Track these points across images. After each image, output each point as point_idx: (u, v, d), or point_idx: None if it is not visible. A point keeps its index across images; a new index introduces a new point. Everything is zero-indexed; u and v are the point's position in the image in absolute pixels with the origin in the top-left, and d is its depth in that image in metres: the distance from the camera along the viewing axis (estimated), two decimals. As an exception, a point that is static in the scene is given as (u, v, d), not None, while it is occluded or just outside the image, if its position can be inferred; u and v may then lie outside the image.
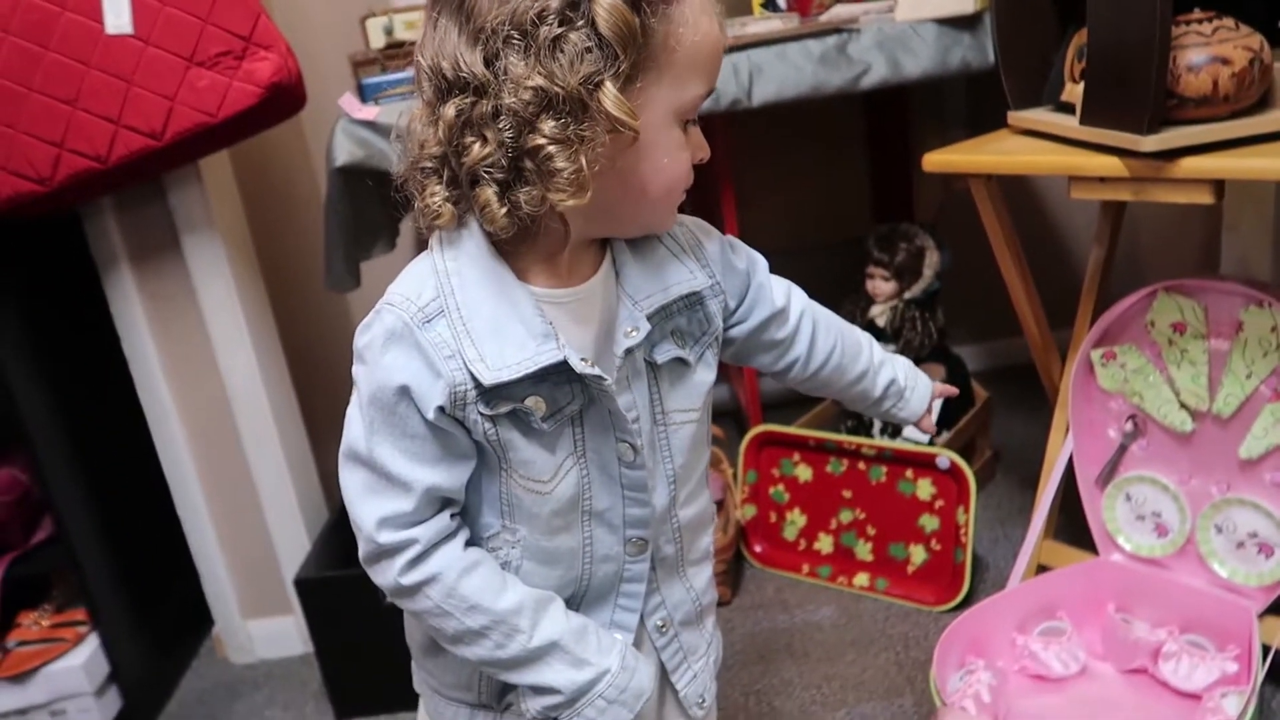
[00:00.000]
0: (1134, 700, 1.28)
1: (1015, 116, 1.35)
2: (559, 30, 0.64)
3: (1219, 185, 1.09)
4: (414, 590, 0.73)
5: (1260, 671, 1.15)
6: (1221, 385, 1.26)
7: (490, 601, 0.73)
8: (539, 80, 0.64)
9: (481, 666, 0.77)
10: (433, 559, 0.73)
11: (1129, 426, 1.37)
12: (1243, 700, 1.12)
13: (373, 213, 1.60)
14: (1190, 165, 1.08)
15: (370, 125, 1.46)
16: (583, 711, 0.75)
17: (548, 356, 0.70)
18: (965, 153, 1.33)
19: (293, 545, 1.66)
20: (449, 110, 0.66)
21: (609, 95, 0.65)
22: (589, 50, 0.64)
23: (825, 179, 2.16)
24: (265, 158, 1.83)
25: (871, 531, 1.64)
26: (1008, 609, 1.34)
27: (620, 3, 0.64)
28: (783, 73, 1.49)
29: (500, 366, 0.69)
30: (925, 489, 1.59)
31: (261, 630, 1.72)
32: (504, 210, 0.67)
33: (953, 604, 1.54)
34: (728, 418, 2.15)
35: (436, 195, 0.69)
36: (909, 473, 1.61)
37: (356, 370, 0.72)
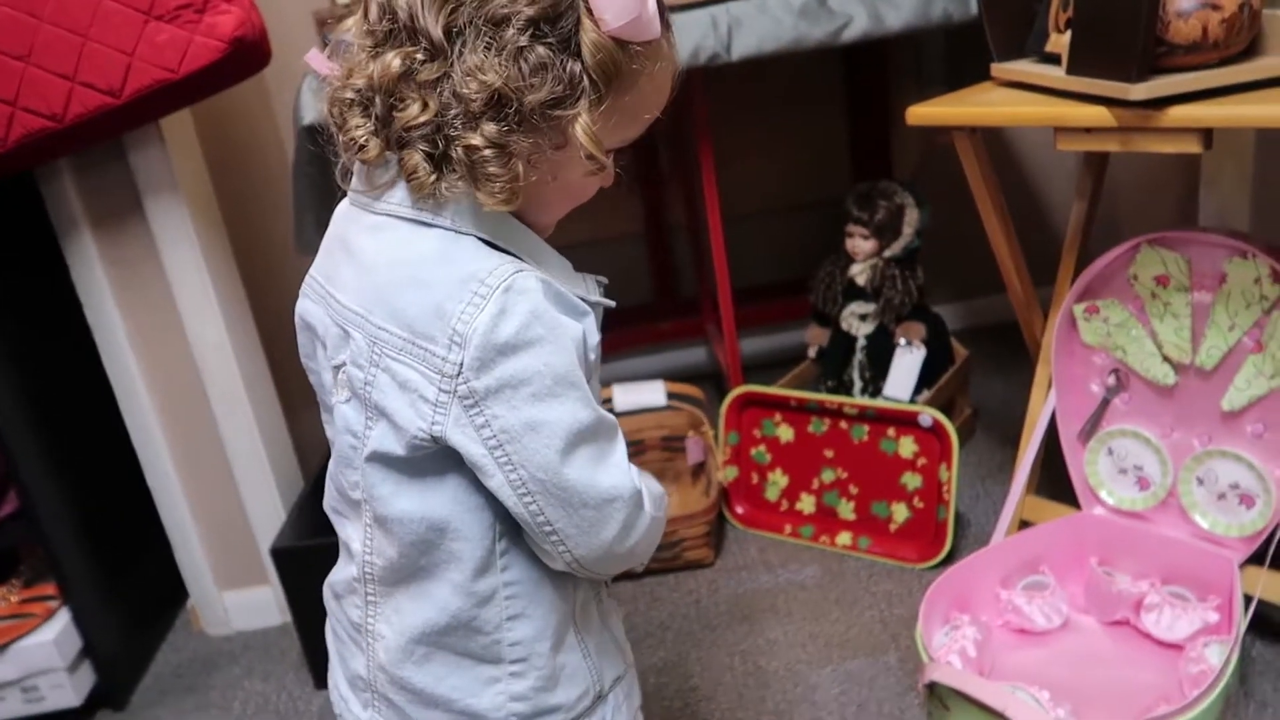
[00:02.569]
0: (1117, 652, 1.29)
1: (999, 68, 1.33)
2: (526, 41, 0.63)
3: (1207, 134, 1.08)
4: (653, 514, 0.74)
5: (1242, 621, 1.16)
6: (1204, 338, 1.26)
7: (652, 482, 0.76)
8: (493, 79, 0.63)
9: (651, 553, 0.79)
10: (640, 492, 0.74)
11: (1111, 380, 1.37)
12: (1225, 649, 1.12)
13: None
14: (1179, 114, 1.06)
15: (338, 82, 1.41)
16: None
17: (591, 280, 0.75)
18: (949, 105, 1.31)
19: (268, 515, 1.63)
20: (393, 60, 0.64)
21: (583, 126, 0.64)
22: (561, 72, 0.63)
23: (804, 138, 2.14)
24: (230, 117, 1.77)
25: (854, 490, 1.64)
26: (991, 564, 1.35)
27: (609, 40, 0.64)
28: (763, 25, 1.46)
29: (591, 294, 0.74)
30: (907, 447, 1.59)
31: (238, 601, 1.69)
32: (432, 179, 0.65)
33: (935, 561, 1.54)
34: (708, 380, 2.14)
35: (360, 129, 0.66)
36: (891, 431, 1.60)
37: (526, 359, 0.65)
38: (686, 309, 2.21)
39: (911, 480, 1.59)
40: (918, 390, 1.78)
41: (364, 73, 0.66)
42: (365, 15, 0.67)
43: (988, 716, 1.08)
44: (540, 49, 0.63)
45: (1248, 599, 1.19)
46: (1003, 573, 1.35)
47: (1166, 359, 1.30)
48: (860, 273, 1.81)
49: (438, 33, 0.63)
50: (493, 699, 0.75)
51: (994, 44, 1.33)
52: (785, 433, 1.70)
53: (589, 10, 0.63)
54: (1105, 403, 1.38)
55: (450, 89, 0.64)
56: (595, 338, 0.72)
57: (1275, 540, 1.20)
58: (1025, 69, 1.28)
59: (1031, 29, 1.31)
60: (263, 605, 1.68)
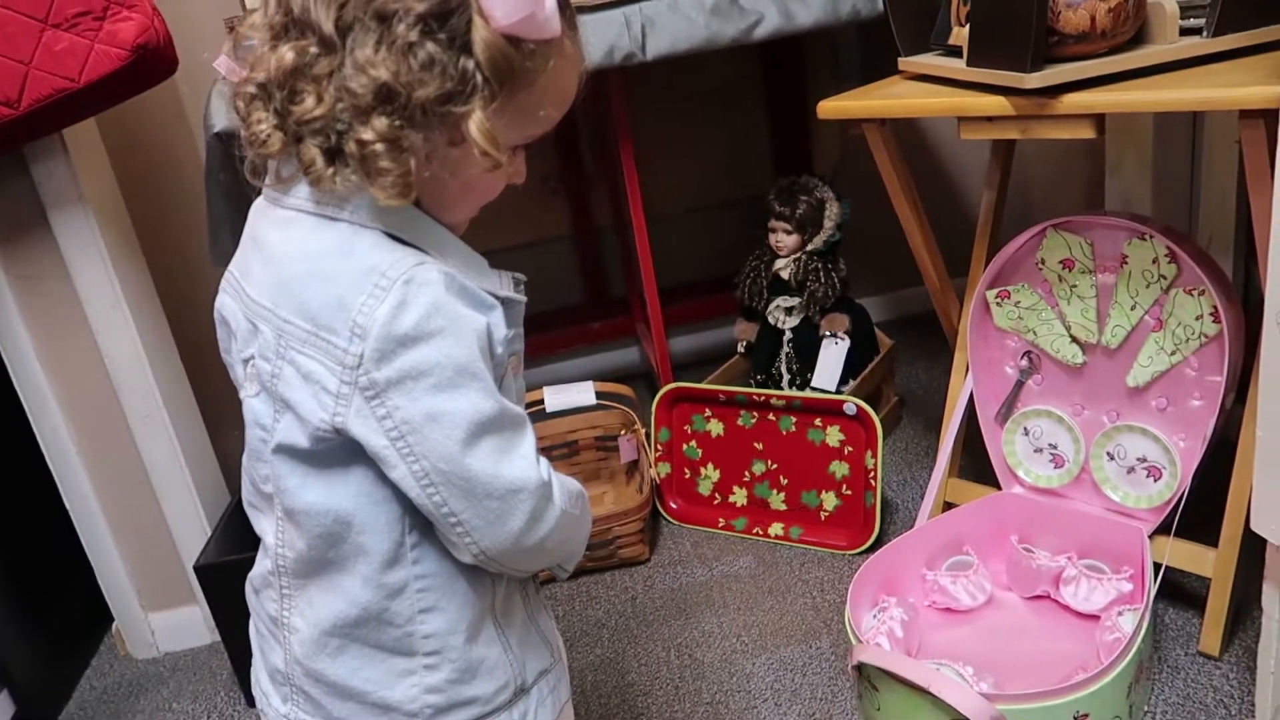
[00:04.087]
0: (1038, 625, 1.33)
1: (905, 62, 1.36)
2: (416, 37, 0.63)
3: (1100, 120, 1.12)
4: (562, 508, 0.74)
5: (1152, 589, 1.20)
6: (1109, 317, 1.30)
7: (566, 479, 0.76)
8: (382, 73, 0.63)
9: (574, 553, 0.81)
10: (548, 468, 0.74)
11: (1024, 363, 1.41)
12: (1137, 617, 1.16)
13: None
14: (1072, 101, 1.10)
15: (249, 89, 1.39)
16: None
17: (506, 276, 0.74)
18: (858, 98, 1.34)
19: (192, 533, 1.59)
20: (287, 53, 0.65)
21: (477, 123, 0.65)
22: (452, 68, 0.64)
23: (725, 136, 2.16)
24: (140, 126, 1.73)
25: (784, 481, 1.66)
26: (916, 547, 1.38)
27: (500, 38, 0.64)
28: (675, 25, 1.47)
29: (501, 288, 0.73)
30: (834, 436, 1.61)
31: (164, 622, 1.65)
32: (330, 173, 0.66)
33: (865, 546, 1.57)
34: (639, 378, 2.15)
35: (262, 123, 0.67)
36: (818, 421, 1.63)
37: (426, 350, 0.65)
38: (617, 309, 2.21)
39: (839, 469, 1.62)
40: (844, 380, 1.81)
41: (264, 66, 0.66)
42: (265, 8, 0.67)
43: (914, 694, 1.10)
44: (430, 45, 0.63)
45: (1157, 567, 1.24)
46: (928, 554, 1.39)
47: (1075, 340, 1.34)
48: (784, 267, 1.83)
49: (329, 26, 0.64)
50: (406, 691, 0.75)
51: (899, 38, 1.36)
52: (715, 427, 1.72)
53: (479, 8, 0.64)
54: (1019, 384, 1.42)
55: (341, 83, 0.64)
56: (503, 331, 0.71)
57: (1180, 509, 1.25)
58: (929, 62, 1.31)
59: (935, 23, 1.35)
60: (190, 625, 1.65)
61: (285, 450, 0.72)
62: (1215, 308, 1.20)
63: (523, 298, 0.76)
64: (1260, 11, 1.09)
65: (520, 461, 0.71)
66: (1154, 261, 1.25)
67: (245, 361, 0.74)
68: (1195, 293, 1.22)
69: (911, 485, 1.72)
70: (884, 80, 1.39)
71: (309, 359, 0.68)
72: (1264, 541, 0.99)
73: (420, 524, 0.73)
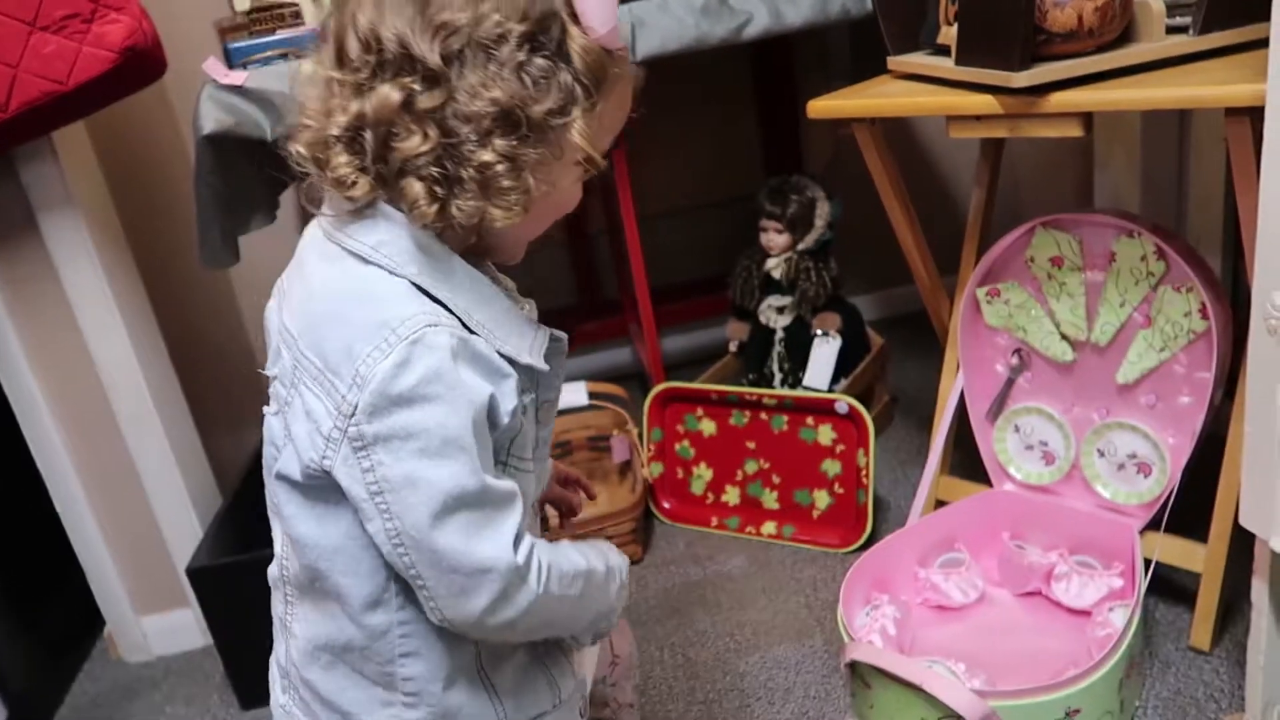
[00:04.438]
0: (1030, 622, 1.33)
1: (895, 61, 1.37)
2: (524, 55, 0.65)
3: (1087, 118, 1.12)
4: (543, 594, 0.72)
5: (1143, 585, 1.20)
6: (1098, 315, 1.31)
7: (571, 560, 0.76)
8: (498, 94, 0.64)
9: (576, 631, 0.81)
10: (537, 550, 0.72)
11: (1015, 360, 1.41)
12: (1128, 612, 1.17)
13: (248, 183, 1.53)
14: (1060, 99, 1.11)
15: (239, 91, 1.39)
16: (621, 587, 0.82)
17: (544, 335, 0.75)
18: (847, 98, 1.34)
19: (184, 535, 1.59)
20: (390, 92, 0.64)
21: (578, 129, 0.67)
22: (558, 81, 0.66)
23: (716, 136, 2.17)
24: (129, 128, 1.73)
25: (776, 480, 1.67)
26: (908, 544, 1.38)
27: (597, 45, 0.66)
28: (665, 25, 1.47)
29: (522, 350, 0.72)
30: (826, 435, 1.62)
31: (157, 626, 1.64)
32: (435, 209, 0.66)
33: (857, 545, 1.57)
34: (631, 379, 2.15)
35: (346, 166, 0.67)
36: (810, 420, 1.63)
37: (419, 413, 0.65)
38: (609, 310, 2.22)
39: (831, 467, 1.62)
40: (836, 379, 1.82)
41: (348, 110, 0.66)
42: (339, 54, 0.67)
43: (907, 691, 1.10)
44: (539, 60, 0.65)
45: (1148, 563, 1.24)
46: (920, 552, 1.39)
47: (1064, 337, 1.35)
48: (776, 267, 1.84)
49: (435, 59, 0.64)
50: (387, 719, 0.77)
51: (888, 38, 1.36)
52: (708, 426, 1.72)
53: (574, 19, 0.66)
54: (1010, 382, 1.42)
55: (454, 111, 0.65)
56: (512, 402, 0.70)
57: (1170, 505, 1.25)
58: (919, 61, 1.32)
59: (924, 22, 1.35)
60: (183, 628, 1.64)
61: (283, 478, 0.73)
62: (1203, 304, 1.21)
63: (544, 366, 0.75)
64: (1246, 10, 1.09)
65: (493, 541, 0.69)
66: (1142, 259, 1.25)
67: (270, 378, 0.76)
68: (1183, 289, 1.22)
69: (903, 483, 1.73)
70: (873, 79, 1.39)
71: (314, 396, 0.69)
72: (1253, 537, 1.00)
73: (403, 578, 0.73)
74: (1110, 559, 1.32)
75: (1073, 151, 1.94)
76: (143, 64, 1.32)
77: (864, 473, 1.58)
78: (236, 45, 1.51)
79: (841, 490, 1.62)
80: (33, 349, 1.49)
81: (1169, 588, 1.36)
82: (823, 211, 1.82)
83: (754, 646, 1.42)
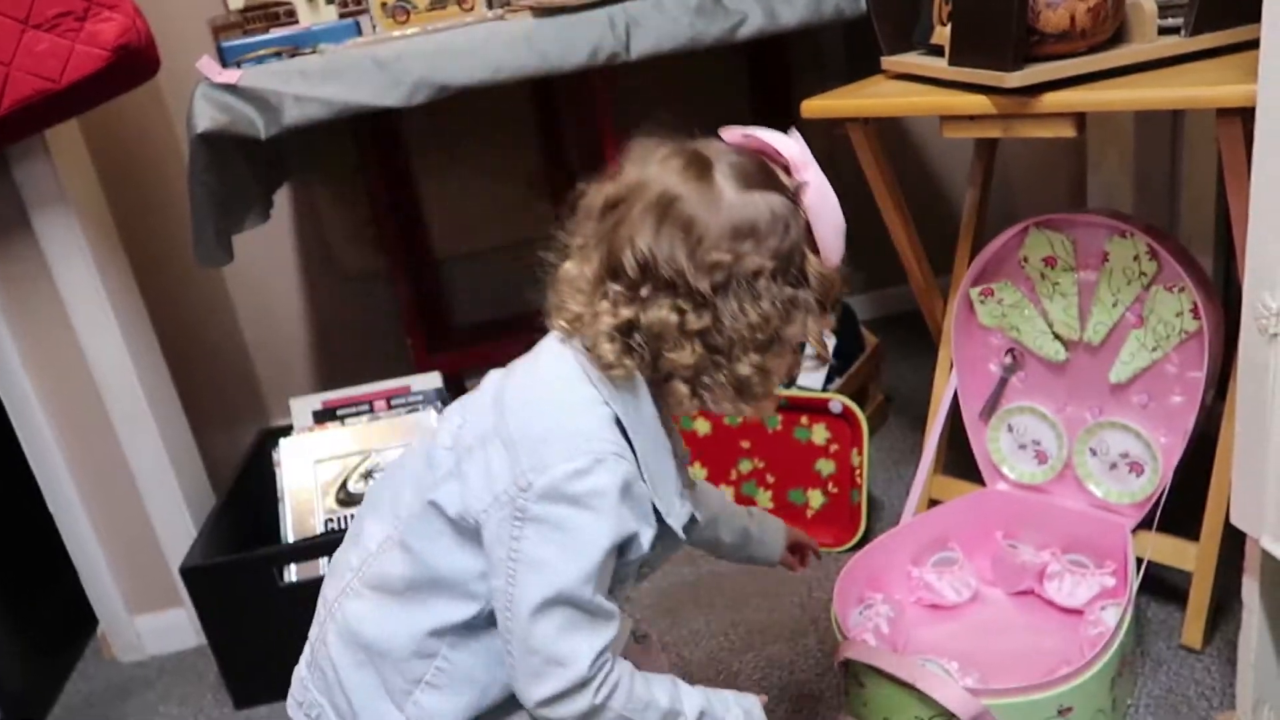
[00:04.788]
0: (1023, 620, 1.34)
1: (889, 61, 1.37)
2: (776, 286, 0.78)
3: (1080, 118, 1.13)
4: (602, 707, 0.79)
5: (1134, 583, 1.21)
6: (1091, 314, 1.31)
7: (651, 693, 0.82)
8: (755, 319, 0.77)
9: None
10: (614, 670, 0.80)
11: (1008, 360, 1.42)
12: (1120, 611, 1.17)
13: (243, 182, 1.54)
14: (1052, 100, 1.11)
15: (233, 89, 1.39)
16: None
17: (687, 509, 0.86)
18: (841, 98, 1.35)
19: (178, 534, 1.58)
20: (668, 313, 0.77)
21: (815, 336, 0.81)
22: (801, 301, 0.79)
23: (712, 136, 2.16)
24: (122, 127, 1.73)
25: (770, 479, 1.67)
26: (902, 544, 1.38)
27: (831, 270, 0.81)
28: (660, 24, 1.48)
29: (670, 513, 0.83)
30: (820, 434, 1.62)
31: (150, 625, 1.64)
32: (695, 404, 0.81)
33: (851, 544, 1.58)
34: (626, 379, 2.15)
35: (610, 354, 0.79)
36: (804, 419, 1.64)
37: (576, 515, 0.77)
38: (603, 309, 2.21)
39: (825, 466, 1.63)
40: (830, 379, 1.82)
41: (618, 314, 0.78)
42: (613, 267, 0.78)
43: (900, 689, 1.11)
44: (788, 289, 0.79)
45: (1140, 562, 1.25)
46: (913, 551, 1.39)
47: (1057, 336, 1.35)
48: (770, 266, 1.84)
49: (706, 288, 0.77)
50: None
51: (882, 38, 1.37)
52: (702, 425, 1.72)
53: (813, 249, 0.80)
54: (1003, 382, 1.43)
55: (719, 331, 0.78)
56: (643, 550, 0.82)
57: (1162, 504, 1.26)
58: (912, 61, 1.32)
59: (918, 22, 1.35)
60: (176, 627, 1.64)
61: (437, 507, 0.82)
62: (1195, 304, 1.21)
63: (680, 534, 0.86)
64: (1237, 11, 1.10)
65: (576, 646, 0.78)
66: (1135, 259, 1.26)
67: (451, 416, 0.87)
68: (1176, 289, 1.23)
69: (897, 483, 1.73)
70: (867, 79, 1.40)
71: (500, 459, 0.79)
72: (1244, 535, 1.00)
73: (483, 626, 0.83)
74: (1102, 558, 1.32)
75: (1066, 152, 1.95)
76: (136, 62, 1.32)
77: (858, 472, 1.58)
78: (230, 44, 1.51)
79: (835, 489, 1.62)
80: (26, 347, 1.48)
81: (1161, 586, 1.36)
82: (817, 211, 1.81)
83: (748, 646, 1.42)
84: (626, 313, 0.78)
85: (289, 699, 0.93)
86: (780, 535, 1.14)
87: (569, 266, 0.82)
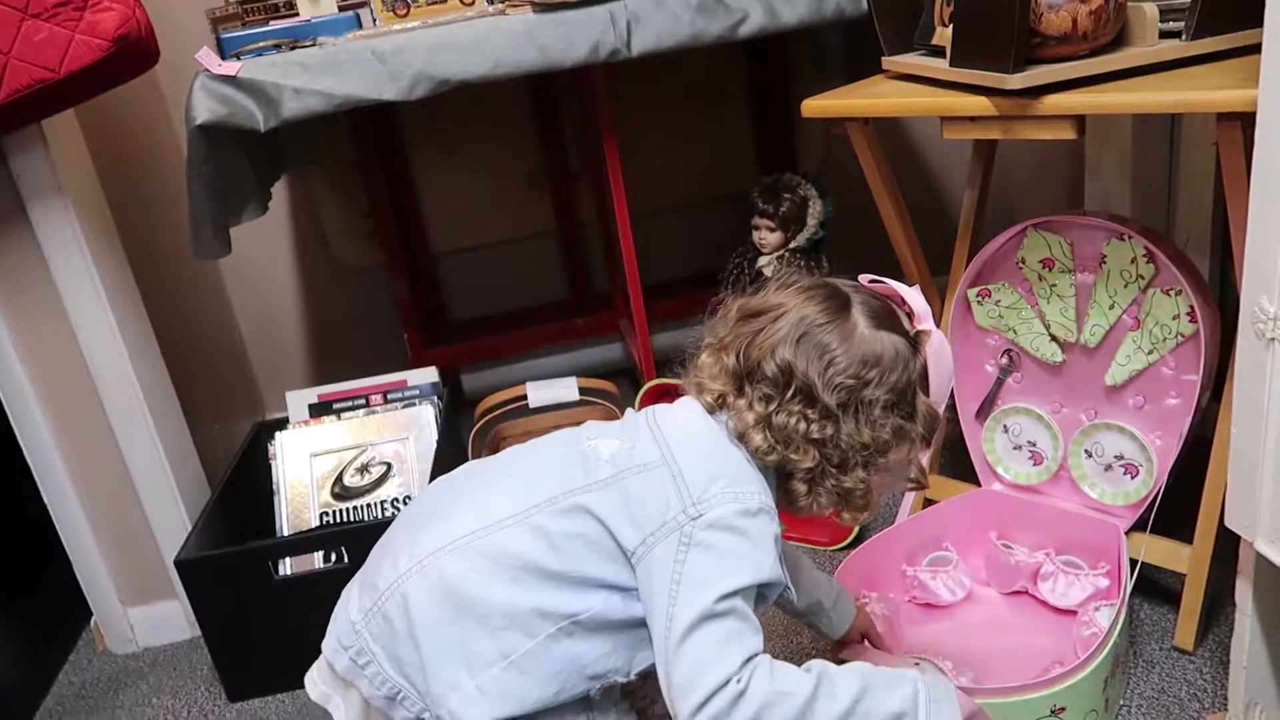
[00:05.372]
0: (1016, 620, 1.34)
1: (889, 61, 1.37)
2: (889, 415, 0.89)
3: (1080, 121, 1.13)
4: (761, 708, 0.82)
5: (1128, 584, 1.21)
6: (1088, 316, 1.32)
7: (800, 685, 0.84)
8: (868, 439, 0.88)
9: None
10: (759, 667, 0.83)
11: (1005, 361, 1.42)
12: (1113, 612, 1.18)
13: (241, 174, 1.53)
14: (1053, 102, 1.11)
15: (232, 81, 1.38)
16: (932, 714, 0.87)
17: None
18: (841, 97, 1.35)
19: (172, 526, 1.58)
20: (799, 421, 0.88)
21: (917, 464, 0.95)
22: (909, 433, 0.90)
23: (709, 133, 2.17)
24: (120, 118, 1.72)
25: (766, 478, 1.67)
26: (897, 542, 1.39)
27: (934, 408, 0.93)
28: (661, 21, 1.47)
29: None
30: (816, 433, 1.62)
31: (143, 617, 1.64)
32: (809, 502, 0.92)
33: (846, 542, 1.58)
34: (622, 374, 2.15)
35: (765, 443, 0.89)
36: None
37: (739, 542, 0.85)
38: (600, 305, 2.21)
39: (821, 465, 1.63)
40: (826, 378, 1.82)
41: (754, 410, 0.89)
42: (752, 372, 0.90)
43: (893, 688, 1.11)
44: (895, 419, 0.90)
45: (1134, 563, 1.25)
46: (908, 550, 1.40)
47: (1054, 338, 1.36)
48: (767, 264, 1.84)
49: (832, 404, 0.88)
50: (443, 692, 0.85)
51: (883, 38, 1.37)
52: (698, 423, 1.72)
53: (924, 389, 0.92)
54: (1000, 382, 1.43)
55: (836, 443, 0.88)
56: (770, 600, 0.91)
57: (1156, 506, 1.26)
58: (913, 61, 1.32)
59: (919, 23, 1.35)
60: (170, 620, 1.64)
61: (589, 511, 0.87)
62: (1192, 307, 1.22)
63: (798, 607, 1.08)
64: (1238, 15, 1.10)
65: (731, 653, 0.82)
66: (1132, 261, 1.26)
67: (619, 440, 0.92)
68: (1172, 292, 1.23)
69: (892, 482, 1.73)
70: (868, 79, 1.40)
71: (667, 485, 0.87)
72: (1238, 538, 1.01)
73: (586, 625, 0.87)
74: (1096, 559, 1.33)
75: (1064, 154, 1.95)
76: (135, 53, 1.31)
77: (853, 471, 1.58)
78: (229, 36, 1.50)
79: (831, 488, 1.62)
80: (21, 339, 1.48)
81: (1154, 588, 1.37)
82: (815, 210, 1.82)
83: (742, 643, 1.42)
84: (761, 409, 0.89)
85: (330, 639, 0.93)
86: (848, 619, 1.19)
87: (707, 358, 0.94)
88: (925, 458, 0.97)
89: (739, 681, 0.81)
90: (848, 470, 0.90)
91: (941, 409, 0.94)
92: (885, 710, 0.85)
